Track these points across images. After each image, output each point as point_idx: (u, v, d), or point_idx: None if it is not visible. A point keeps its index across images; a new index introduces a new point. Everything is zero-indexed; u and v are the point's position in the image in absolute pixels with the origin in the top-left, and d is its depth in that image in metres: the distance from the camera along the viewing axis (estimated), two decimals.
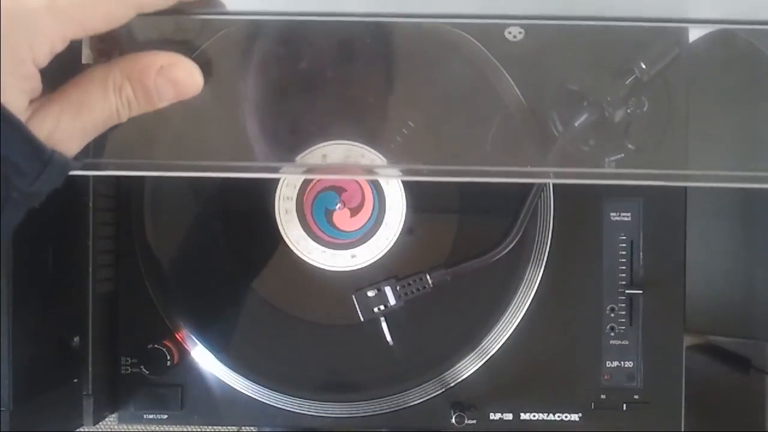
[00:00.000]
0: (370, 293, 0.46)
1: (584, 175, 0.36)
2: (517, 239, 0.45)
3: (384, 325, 0.46)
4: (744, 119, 0.36)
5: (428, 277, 0.45)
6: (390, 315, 0.46)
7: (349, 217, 0.46)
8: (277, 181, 0.45)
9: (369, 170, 0.40)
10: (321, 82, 0.35)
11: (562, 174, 0.36)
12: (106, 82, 0.30)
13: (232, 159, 0.35)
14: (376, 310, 0.46)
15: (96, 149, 0.33)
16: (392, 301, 0.46)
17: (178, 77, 0.31)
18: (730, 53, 0.34)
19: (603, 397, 0.47)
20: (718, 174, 0.35)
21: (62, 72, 0.29)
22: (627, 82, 0.34)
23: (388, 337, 0.46)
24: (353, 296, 0.46)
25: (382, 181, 0.45)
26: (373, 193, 0.45)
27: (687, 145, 0.36)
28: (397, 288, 0.46)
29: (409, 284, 0.46)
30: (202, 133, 0.35)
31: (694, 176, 0.36)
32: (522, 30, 0.34)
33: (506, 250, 0.45)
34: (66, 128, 0.29)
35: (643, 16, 0.33)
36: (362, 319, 0.46)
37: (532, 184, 0.45)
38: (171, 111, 0.32)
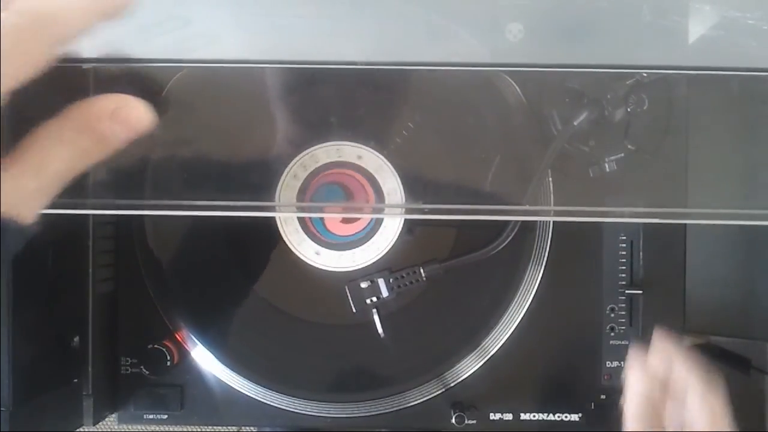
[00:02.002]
0: (363, 285, 0.46)
1: (583, 213, 0.36)
2: (511, 237, 0.45)
3: (376, 317, 0.46)
4: (745, 124, 0.36)
5: (421, 270, 0.45)
6: (391, 315, 0.46)
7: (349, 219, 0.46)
8: (277, 182, 0.45)
9: (368, 209, 0.41)
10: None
11: (561, 212, 0.37)
12: (61, 137, 0.29)
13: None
14: (368, 301, 0.46)
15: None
16: (385, 293, 0.45)
17: (130, 117, 0.31)
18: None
19: (603, 397, 0.47)
20: (717, 212, 0.35)
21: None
22: (628, 81, 0.34)
23: (380, 329, 0.46)
24: (346, 287, 0.46)
25: (382, 183, 0.45)
26: (373, 193, 0.45)
27: (687, 147, 0.36)
28: (390, 280, 0.45)
29: (402, 277, 0.45)
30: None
31: (694, 214, 0.36)
32: (522, 29, 0.34)
33: (500, 248, 0.45)
34: (25, 191, 0.28)
35: (643, 64, 0.33)
36: (354, 310, 0.46)
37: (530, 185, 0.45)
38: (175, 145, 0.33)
